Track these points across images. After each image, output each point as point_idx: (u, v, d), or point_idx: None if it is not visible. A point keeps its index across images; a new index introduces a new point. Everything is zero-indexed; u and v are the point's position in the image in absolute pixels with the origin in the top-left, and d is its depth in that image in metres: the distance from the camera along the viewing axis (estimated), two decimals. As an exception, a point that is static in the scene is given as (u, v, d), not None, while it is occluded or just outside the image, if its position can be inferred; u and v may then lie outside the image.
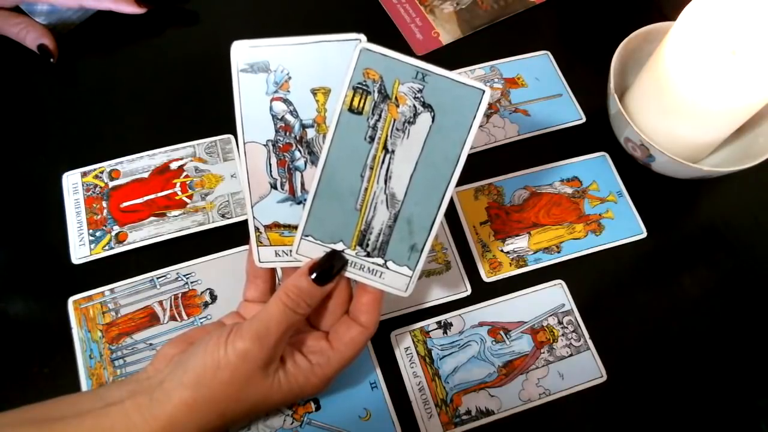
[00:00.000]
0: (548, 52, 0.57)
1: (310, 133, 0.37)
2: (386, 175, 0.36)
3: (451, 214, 0.50)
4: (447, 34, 0.58)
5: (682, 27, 0.44)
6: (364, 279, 0.38)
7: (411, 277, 0.38)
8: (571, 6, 0.61)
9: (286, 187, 0.38)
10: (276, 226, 0.39)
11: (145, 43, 0.56)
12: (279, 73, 0.36)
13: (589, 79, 0.55)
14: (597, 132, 0.54)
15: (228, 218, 0.48)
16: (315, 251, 0.38)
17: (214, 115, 0.48)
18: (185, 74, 0.55)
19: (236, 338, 0.35)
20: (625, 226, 0.50)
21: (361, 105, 0.35)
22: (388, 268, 0.38)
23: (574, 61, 0.57)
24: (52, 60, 0.52)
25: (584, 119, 0.55)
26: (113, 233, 0.47)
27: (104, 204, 0.48)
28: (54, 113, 0.52)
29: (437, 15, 0.59)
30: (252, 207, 0.38)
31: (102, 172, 0.49)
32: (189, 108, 0.53)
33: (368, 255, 0.38)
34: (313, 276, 0.37)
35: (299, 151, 0.38)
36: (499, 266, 0.48)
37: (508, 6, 0.60)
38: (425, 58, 0.56)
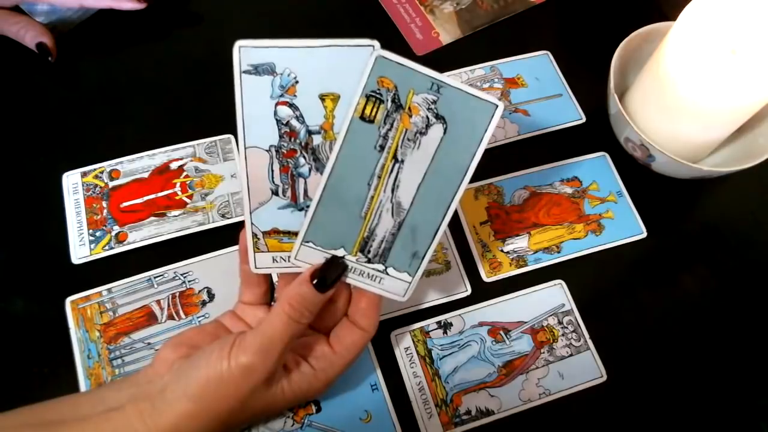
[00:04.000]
0: (548, 52, 0.57)
1: (317, 139, 0.37)
2: (394, 184, 0.36)
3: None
4: (447, 34, 0.58)
5: (682, 27, 0.44)
6: (363, 284, 0.38)
7: (410, 283, 0.38)
8: (571, 6, 0.61)
9: (288, 193, 0.38)
10: (275, 232, 0.38)
11: (146, 43, 0.56)
12: (285, 77, 0.35)
13: (589, 79, 0.55)
14: (597, 132, 0.54)
15: (228, 218, 0.48)
16: (314, 257, 0.38)
17: (214, 115, 0.48)
18: (185, 74, 0.55)
19: (239, 352, 0.34)
20: (625, 226, 0.50)
21: (374, 113, 0.35)
22: (388, 273, 0.38)
23: (574, 61, 0.57)
24: (50, 59, 0.52)
25: (584, 119, 0.55)
26: (113, 233, 0.47)
27: (104, 204, 0.48)
28: (54, 113, 0.52)
29: (437, 15, 0.59)
30: (251, 213, 0.38)
31: (102, 172, 0.49)
32: (189, 108, 0.53)
33: (369, 261, 0.38)
34: (315, 282, 0.36)
35: (304, 157, 0.37)
36: (499, 266, 0.48)
37: (508, 6, 0.60)
38: (425, 58, 0.56)
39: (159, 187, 0.49)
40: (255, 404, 0.36)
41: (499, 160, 0.52)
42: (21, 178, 0.50)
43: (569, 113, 0.55)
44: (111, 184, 0.49)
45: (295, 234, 0.38)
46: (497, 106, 0.34)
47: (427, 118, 0.35)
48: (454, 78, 0.34)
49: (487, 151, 0.53)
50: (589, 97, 0.55)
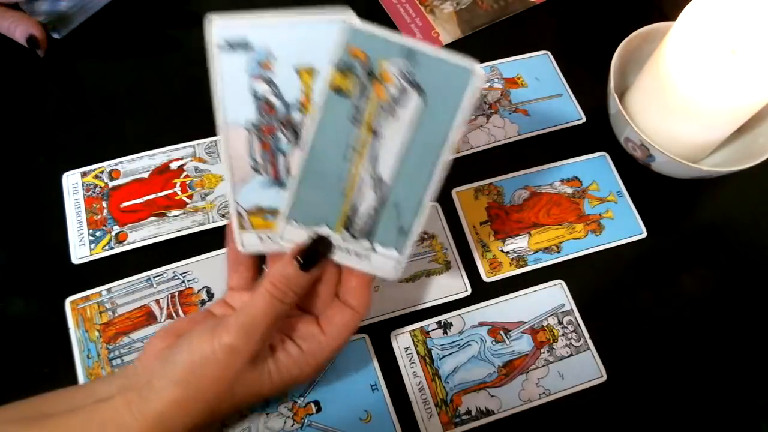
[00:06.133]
0: (548, 52, 0.57)
1: (296, 115, 0.36)
2: (373, 157, 0.35)
3: (451, 214, 0.50)
4: (447, 34, 0.58)
5: (682, 27, 0.44)
6: (351, 263, 0.38)
7: (398, 260, 0.37)
8: (571, 6, 0.61)
9: (270, 170, 0.37)
10: (259, 210, 0.38)
11: (146, 43, 0.56)
12: (261, 52, 0.34)
13: (589, 79, 0.55)
14: (597, 132, 0.54)
15: (228, 218, 0.48)
16: (299, 235, 0.37)
17: (214, 115, 0.48)
18: (185, 74, 0.55)
19: (222, 333, 0.34)
20: (625, 226, 0.50)
21: (346, 85, 0.34)
22: (375, 251, 0.37)
23: (574, 61, 0.57)
24: (39, 52, 0.51)
25: (584, 119, 0.55)
26: (113, 233, 0.47)
27: (104, 204, 0.48)
28: (54, 113, 0.52)
29: (437, 15, 0.59)
30: (234, 192, 0.37)
31: (102, 172, 0.49)
32: (189, 108, 0.53)
33: (354, 238, 0.37)
34: (299, 262, 0.36)
35: (283, 133, 0.36)
36: (499, 266, 0.48)
37: (508, 6, 0.60)
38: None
39: (159, 187, 0.49)
40: (242, 388, 0.35)
41: (499, 160, 0.52)
42: (21, 178, 0.50)
43: (569, 113, 0.55)
44: (111, 184, 0.49)
45: (279, 211, 0.37)
46: (473, 70, 0.33)
47: (402, 87, 0.33)
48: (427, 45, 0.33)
49: (487, 151, 0.54)
50: (589, 97, 0.55)
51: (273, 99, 0.36)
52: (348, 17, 0.33)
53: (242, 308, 0.35)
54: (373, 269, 0.38)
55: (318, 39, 0.34)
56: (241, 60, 0.35)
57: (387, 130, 0.35)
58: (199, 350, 0.34)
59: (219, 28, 0.34)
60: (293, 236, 0.37)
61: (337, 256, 0.37)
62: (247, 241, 0.38)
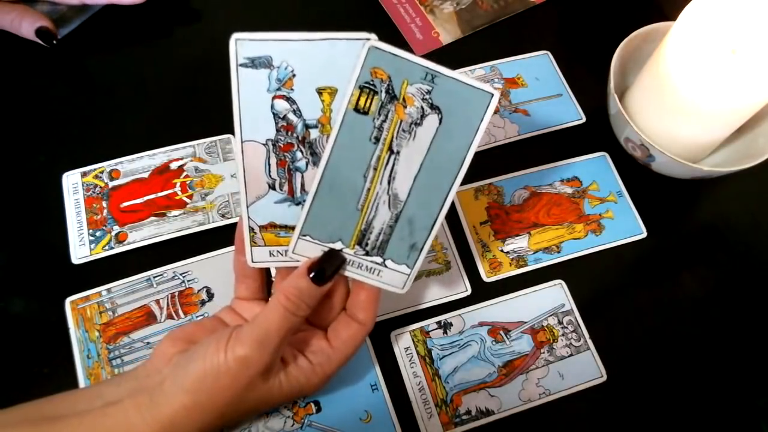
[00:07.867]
0: (548, 52, 0.57)
1: (314, 133, 0.37)
2: (390, 175, 0.36)
3: (451, 214, 0.50)
4: (447, 34, 0.58)
5: (682, 27, 0.44)
6: (362, 277, 0.38)
7: (409, 275, 0.38)
8: (571, 6, 0.61)
9: (285, 187, 0.38)
10: (272, 226, 0.38)
11: (146, 43, 0.56)
12: (282, 70, 0.35)
13: (589, 79, 0.55)
14: (597, 132, 0.54)
15: (228, 218, 0.48)
16: (312, 251, 0.38)
17: (214, 115, 0.48)
18: (185, 74, 0.55)
19: (236, 344, 0.34)
20: (625, 226, 0.50)
21: (368, 105, 0.35)
22: (386, 266, 0.38)
23: (574, 61, 0.57)
24: (54, 42, 0.50)
25: (584, 119, 0.55)
26: (113, 233, 0.47)
27: (104, 204, 0.48)
28: (54, 113, 0.52)
29: (437, 15, 0.59)
30: (248, 207, 0.38)
31: (102, 172, 0.49)
32: (189, 108, 0.53)
33: (367, 254, 0.38)
34: (312, 275, 0.36)
35: (301, 151, 0.37)
36: (499, 266, 0.48)
37: (508, 6, 0.60)
38: (425, 58, 0.56)
39: (159, 187, 0.49)
40: (252, 397, 0.36)
41: (499, 160, 0.52)
42: (21, 178, 0.50)
43: (569, 113, 0.55)
44: (111, 184, 0.49)
45: (292, 228, 0.38)
46: (492, 95, 0.34)
47: (422, 108, 0.34)
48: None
49: (487, 151, 0.54)
50: (589, 97, 0.55)
51: (292, 117, 0.36)
52: (371, 38, 0.34)
53: (256, 320, 0.35)
54: (383, 284, 0.38)
55: (339, 59, 0.34)
56: (263, 77, 0.35)
57: (405, 149, 0.35)
58: (212, 360, 0.34)
59: (242, 44, 0.34)
60: (304, 250, 0.38)
61: (348, 271, 0.38)
62: (257, 256, 0.39)
